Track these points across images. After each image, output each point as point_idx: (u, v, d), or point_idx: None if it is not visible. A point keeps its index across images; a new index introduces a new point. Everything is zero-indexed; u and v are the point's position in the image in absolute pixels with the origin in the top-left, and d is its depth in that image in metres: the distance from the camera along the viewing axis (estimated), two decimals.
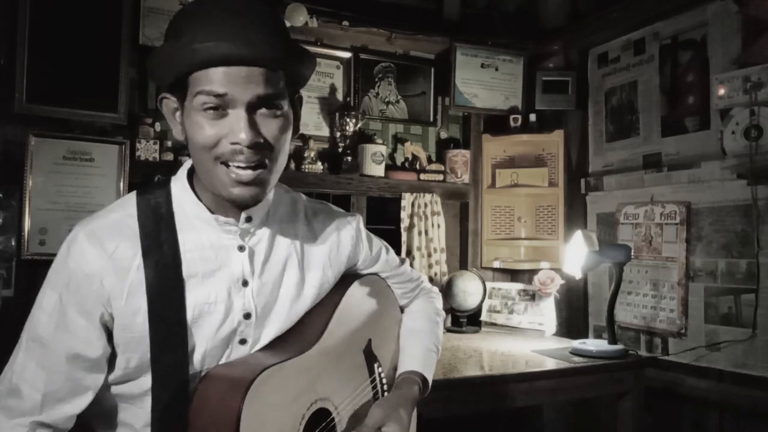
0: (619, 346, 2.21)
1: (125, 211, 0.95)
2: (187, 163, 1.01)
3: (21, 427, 0.90)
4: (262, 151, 0.89)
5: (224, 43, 0.83)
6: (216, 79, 0.85)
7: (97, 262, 0.90)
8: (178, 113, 0.93)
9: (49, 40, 2.08)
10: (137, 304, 0.91)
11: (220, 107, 0.86)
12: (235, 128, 0.86)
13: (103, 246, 0.91)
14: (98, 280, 0.90)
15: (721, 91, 2.22)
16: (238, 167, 0.88)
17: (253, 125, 0.87)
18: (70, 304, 0.90)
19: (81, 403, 0.93)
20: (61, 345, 0.90)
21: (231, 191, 0.89)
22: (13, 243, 2.04)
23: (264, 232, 1.02)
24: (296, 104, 0.99)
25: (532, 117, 2.96)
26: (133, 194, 0.98)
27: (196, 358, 0.94)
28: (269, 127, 0.90)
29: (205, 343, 0.94)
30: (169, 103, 0.94)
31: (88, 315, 0.90)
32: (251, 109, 0.88)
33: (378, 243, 1.26)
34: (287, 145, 0.95)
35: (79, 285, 0.90)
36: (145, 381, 0.92)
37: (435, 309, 1.37)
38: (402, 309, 1.36)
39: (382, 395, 1.22)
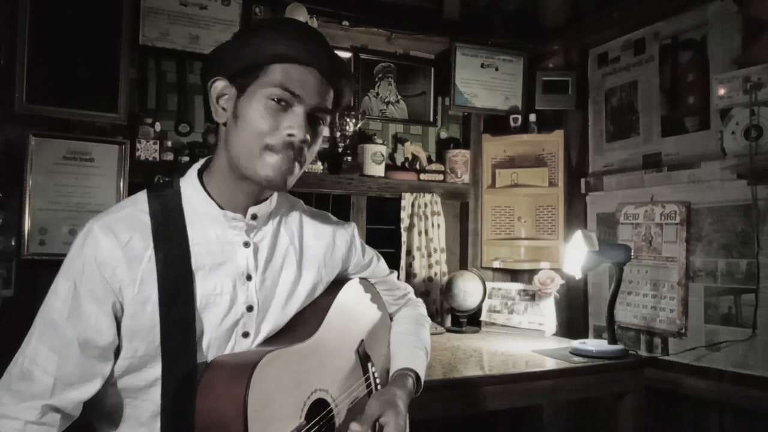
0: (619, 346, 2.21)
1: (137, 206, 1.01)
2: (196, 164, 1.07)
3: (32, 410, 0.91)
4: (303, 149, 1.00)
5: (312, 49, 0.99)
6: (295, 78, 0.98)
7: (111, 251, 0.94)
8: (225, 98, 1.01)
9: (49, 40, 2.08)
10: (147, 293, 0.95)
11: (286, 102, 0.98)
12: (295, 124, 0.98)
13: (117, 237, 0.95)
14: (111, 269, 0.94)
15: (721, 91, 2.22)
16: (285, 155, 0.98)
17: (308, 126, 0.99)
18: (84, 291, 0.94)
19: (89, 389, 0.95)
20: (73, 330, 0.93)
21: (269, 174, 0.98)
22: (13, 243, 2.04)
23: (267, 230, 1.09)
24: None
25: (532, 117, 2.96)
26: (144, 192, 1.04)
27: (202, 346, 0.98)
28: (313, 132, 1.02)
29: (210, 332, 0.99)
30: (221, 86, 1.02)
31: (99, 303, 0.94)
32: (308, 113, 1.00)
33: (370, 251, 1.34)
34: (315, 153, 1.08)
35: (92, 273, 0.94)
36: (151, 372, 0.96)
37: (421, 315, 1.45)
38: (391, 317, 1.42)
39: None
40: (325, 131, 2.64)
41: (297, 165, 1.01)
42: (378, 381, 1.28)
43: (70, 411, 0.95)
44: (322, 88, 1.01)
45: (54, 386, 0.92)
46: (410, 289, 1.47)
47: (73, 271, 0.95)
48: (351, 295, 1.26)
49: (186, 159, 2.34)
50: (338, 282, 1.24)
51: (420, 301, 1.49)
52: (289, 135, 0.97)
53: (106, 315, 0.94)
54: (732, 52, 2.24)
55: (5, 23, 2.04)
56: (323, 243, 1.20)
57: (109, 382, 0.98)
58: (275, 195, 1.10)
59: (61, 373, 0.92)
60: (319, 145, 1.07)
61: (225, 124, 1.02)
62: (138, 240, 0.96)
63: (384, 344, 1.35)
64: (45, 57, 2.07)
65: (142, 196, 1.03)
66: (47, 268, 2.03)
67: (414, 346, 1.32)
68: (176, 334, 0.95)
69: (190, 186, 1.04)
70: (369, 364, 1.25)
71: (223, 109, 1.02)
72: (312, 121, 1.01)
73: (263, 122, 0.97)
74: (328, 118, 1.06)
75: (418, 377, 1.25)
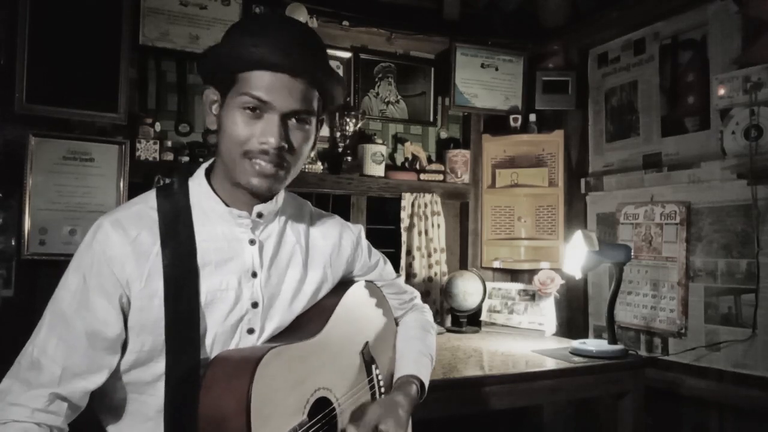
0: (619, 346, 2.21)
1: (147, 203, 1.04)
2: (205, 164, 1.10)
3: (40, 397, 0.94)
4: (285, 154, 1.00)
5: (278, 51, 0.95)
6: (262, 85, 0.96)
7: (120, 246, 0.97)
8: (215, 105, 1.04)
9: (49, 40, 2.07)
10: (154, 288, 0.97)
11: (258, 110, 0.98)
12: (267, 131, 0.97)
13: (126, 232, 0.98)
14: (120, 264, 0.97)
15: (721, 91, 2.22)
16: (262, 161, 0.98)
17: (283, 132, 0.99)
18: (93, 284, 0.96)
19: (96, 380, 0.97)
20: (81, 322, 0.96)
21: (251, 180, 1.00)
22: (13, 243, 2.04)
23: (273, 229, 1.11)
24: (320, 124, 1.10)
25: (532, 117, 2.96)
26: (154, 191, 1.07)
27: (207, 341, 1.00)
28: (295, 135, 1.01)
29: (215, 328, 1.01)
30: (211, 94, 1.04)
31: (108, 296, 0.96)
32: (284, 118, 0.99)
33: (377, 254, 1.35)
34: (306, 154, 1.06)
35: (101, 267, 0.96)
36: (158, 366, 0.98)
37: (427, 321, 1.45)
38: (396, 321, 1.43)
39: (380, 396, 1.26)
40: (325, 131, 2.71)
41: (281, 171, 1.01)
42: (382, 384, 1.27)
43: (76, 401, 0.97)
44: (298, 90, 0.98)
45: (61, 375, 0.94)
46: (417, 293, 1.47)
47: (83, 264, 0.98)
48: (357, 297, 1.26)
49: (186, 159, 2.34)
50: (344, 283, 1.25)
51: (426, 306, 1.50)
52: (262, 143, 0.97)
53: (114, 308, 0.96)
54: (732, 52, 2.24)
55: (5, 23, 2.04)
56: (329, 243, 1.21)
57: (117, 377, 0.99)
58: (281, 194, 1.11)
59: (69, 363, 0.95)
60: (310, 146, 1.06)
61: (217, 131, 1.05)
62: (146, 236, 0.99)
63: (389, 348, 1.35)
64: (45, 57, 2.07)
65: (151, 194, 1.06)
66: (47, 268, 2.03)
67: (420, 351, 1.32)
68: (180, 329, 0.97)
69: (198, 185, 1.07)
70: (373, 367, 1.26)
71: (215, 115, 1.05)
72: (292, 125, 1.00)
73: (239, 131, 0.98)
74: (314, 120, 1.04)
75: (422, 384, 1.26)
